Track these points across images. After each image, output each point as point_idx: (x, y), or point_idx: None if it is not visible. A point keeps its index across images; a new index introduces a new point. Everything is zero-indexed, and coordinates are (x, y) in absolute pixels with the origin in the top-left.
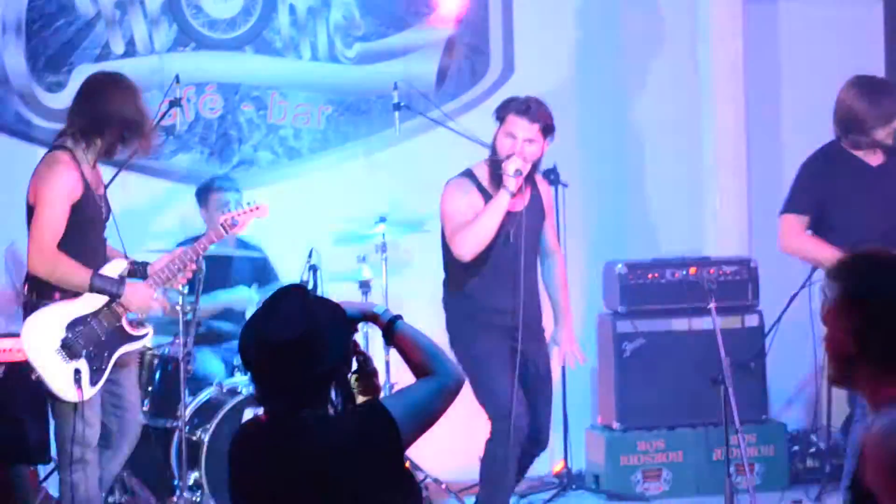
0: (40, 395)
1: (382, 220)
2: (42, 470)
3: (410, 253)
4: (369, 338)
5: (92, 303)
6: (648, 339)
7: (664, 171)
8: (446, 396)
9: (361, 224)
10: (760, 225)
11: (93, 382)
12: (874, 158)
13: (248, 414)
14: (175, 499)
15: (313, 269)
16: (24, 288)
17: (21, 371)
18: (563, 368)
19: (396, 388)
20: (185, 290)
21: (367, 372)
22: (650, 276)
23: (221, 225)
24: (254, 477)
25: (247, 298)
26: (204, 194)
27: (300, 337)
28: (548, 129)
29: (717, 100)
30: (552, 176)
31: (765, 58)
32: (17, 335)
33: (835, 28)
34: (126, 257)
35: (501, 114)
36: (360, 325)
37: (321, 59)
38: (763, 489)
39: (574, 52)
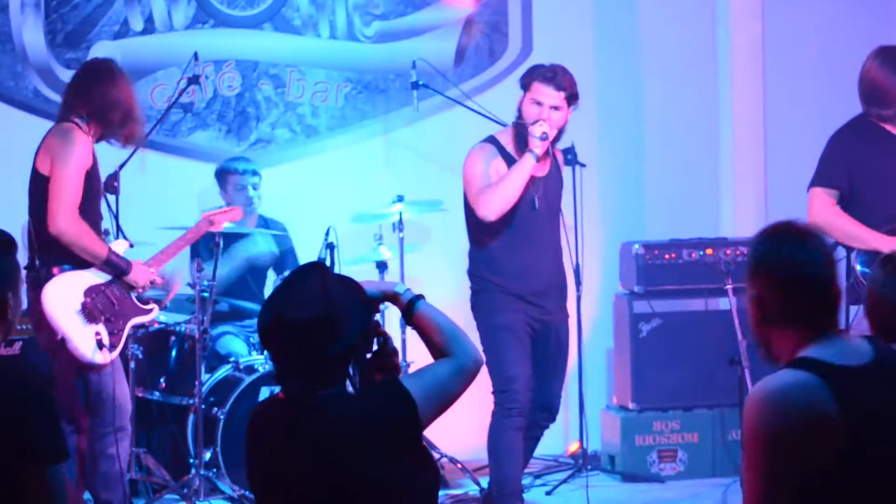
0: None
1: (400, 198)
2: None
3: (427, 232)
4: (385, 316)
5: (102, 275)
6: (665, 320)
7: (681, 152)
8: (465, 377)
9: (378, 203)
10: (777, 205)
11: (111, 349)
12: None
13: (264, 392)
14: (190, 476)
15: (330, 247)
16: (34, 260)
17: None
18: (580, 349)
19: (413, 367)
20: (203, 267)
21: (388, 352)
22: (667, 256)
23: (199, 223)
24: (270, 455)
25: (265, 250)
26: (223, 176)
27: (317, 316)
28: (573, 97)
29: (735, 81)
30: (570, 156)
31: (784, 39)
32: None
33: (854, 10)
34: (126, 239)
35: (526, 80)
36: (380, 305)
37: (340, 37)
38: None
39: (592, 32)
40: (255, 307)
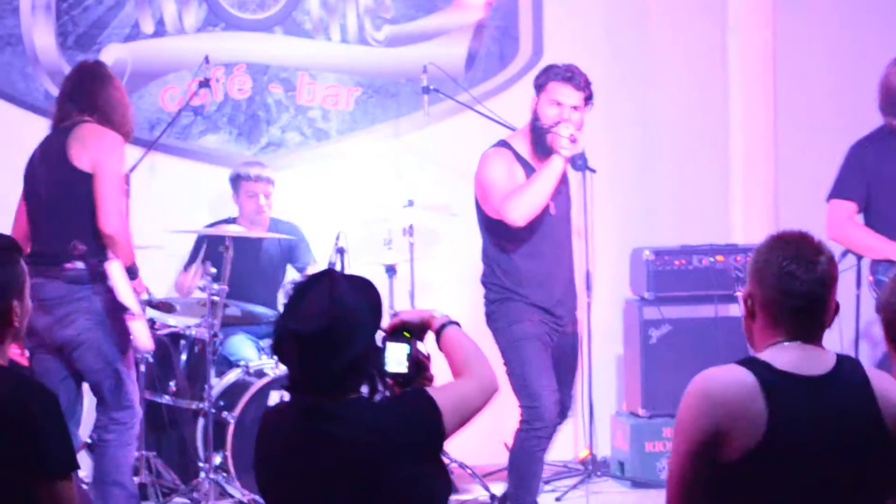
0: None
1: (410, 203)
2: None
3: (437, 236)
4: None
5: None
6: (675, 326)
7: (692, 158)
8: (485, 397)
9: (389, 207)
10: (787, 212)
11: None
12: None
13: (273, 396)
14: (200, 480)
15: (341, 251)
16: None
17: None
18: (589, 355)
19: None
20: (213, 271)
21: (422, 378)
22: (677, 262)
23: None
24: (285, 459)
25: (274, 253)
26: (237, 181)
27: (321, 330)
28: (590, 97)
29: (745, 87)
30: (580, 161)
31: (794, 47)
32: None
33: (865, 18)
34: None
35: (542, 81)
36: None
37: (350, 41)
38: None
39: (603, 37)
40: (266, 311)
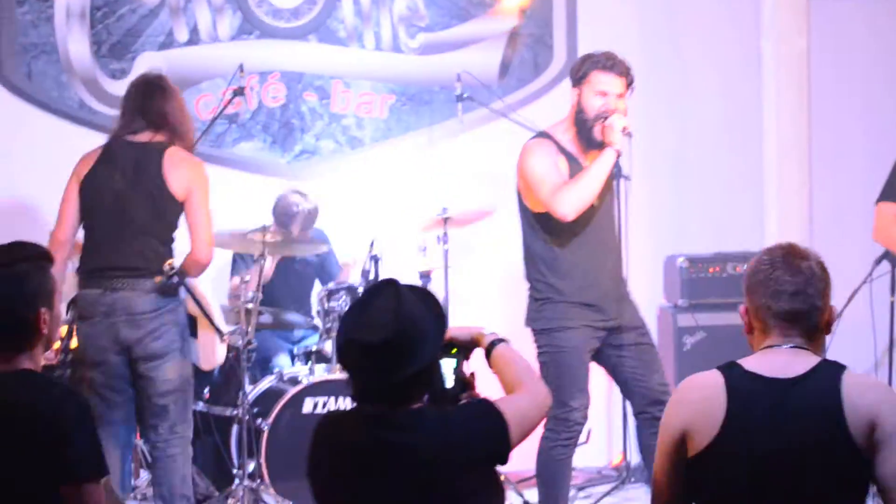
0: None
1: (444, 210)
2: None
3: (471, 244)
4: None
5: None
6: (709, 333)
7: (726, 165)
8: (541, 411)
9: (423, 215)
10: (821, 219)
11: None
12: None
13: (307, 403)
14: (234, 487)
15: (375, 259)
16: (173, 275)
17: None
18: None
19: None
20: (248, 279)
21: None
22: (711, 269)
23: None
24: (344, 469)
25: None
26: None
27: (389, 340)
28: (631, 82)
29: (779, 93)
30: (614, 168)
31: (830, 53)
32: None
33: None
34: None
35: (583, 72)
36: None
37: (384, 49)
38: None
39: (637, 45)
40: (299, 318)
